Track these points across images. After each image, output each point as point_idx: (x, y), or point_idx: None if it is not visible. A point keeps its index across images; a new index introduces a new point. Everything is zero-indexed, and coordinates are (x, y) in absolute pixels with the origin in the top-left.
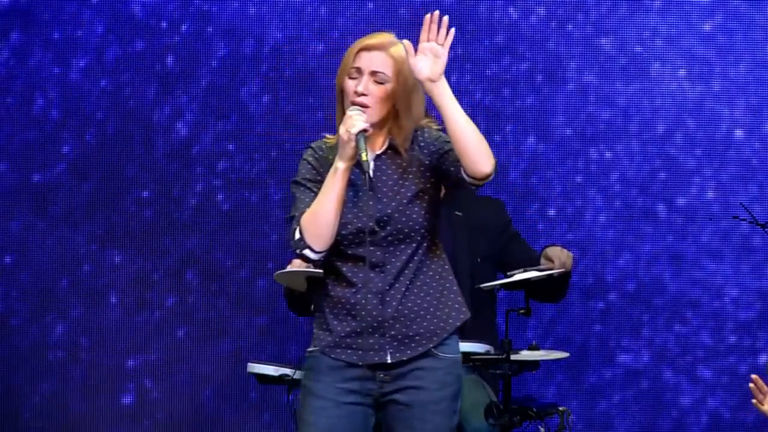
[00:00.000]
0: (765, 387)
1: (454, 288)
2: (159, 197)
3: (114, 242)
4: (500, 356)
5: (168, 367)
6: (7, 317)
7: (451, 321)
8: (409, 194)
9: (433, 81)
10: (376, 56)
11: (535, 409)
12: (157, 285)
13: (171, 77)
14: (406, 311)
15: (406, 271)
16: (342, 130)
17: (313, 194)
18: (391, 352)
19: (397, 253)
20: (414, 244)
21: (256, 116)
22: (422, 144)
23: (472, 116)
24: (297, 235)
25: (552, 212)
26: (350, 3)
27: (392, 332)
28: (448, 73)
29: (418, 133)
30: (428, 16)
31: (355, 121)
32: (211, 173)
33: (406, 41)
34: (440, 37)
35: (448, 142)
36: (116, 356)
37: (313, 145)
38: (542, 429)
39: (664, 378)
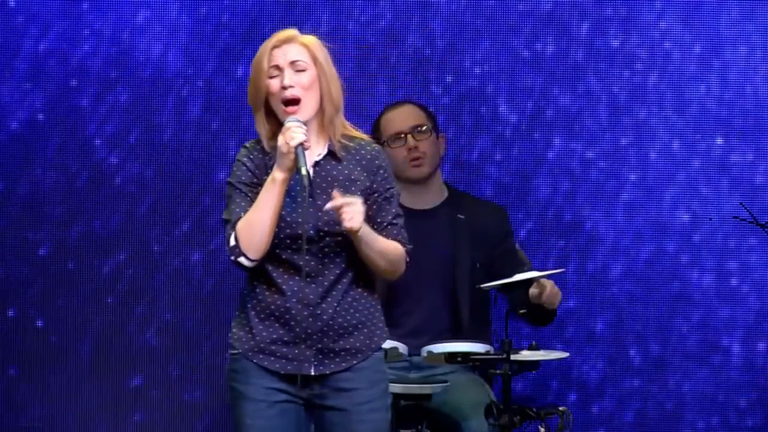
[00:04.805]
0: None
1: (379, 307)
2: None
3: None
4: (500, 356)
5: (162, 365)
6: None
7: (376, 339)
8: None
9: (356, 230)
10: (290, 48)
11: (535, 409)
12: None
13: None
14: (336, 326)
15: (339, 285)
16: (281, 141)
17: (248, 199)
18: (315, 365)
19: (331, 265)
20: (348, 258)
21: None
22: (364, 162)
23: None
24: (232, 242)
25: (551, 214)
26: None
27: (319, 345)
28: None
29: (366, 149)
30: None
31: (294, 133)
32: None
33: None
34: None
35: (390, 200)
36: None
37: (247, 145)
38: (542, 429)
39: (665, 381)
